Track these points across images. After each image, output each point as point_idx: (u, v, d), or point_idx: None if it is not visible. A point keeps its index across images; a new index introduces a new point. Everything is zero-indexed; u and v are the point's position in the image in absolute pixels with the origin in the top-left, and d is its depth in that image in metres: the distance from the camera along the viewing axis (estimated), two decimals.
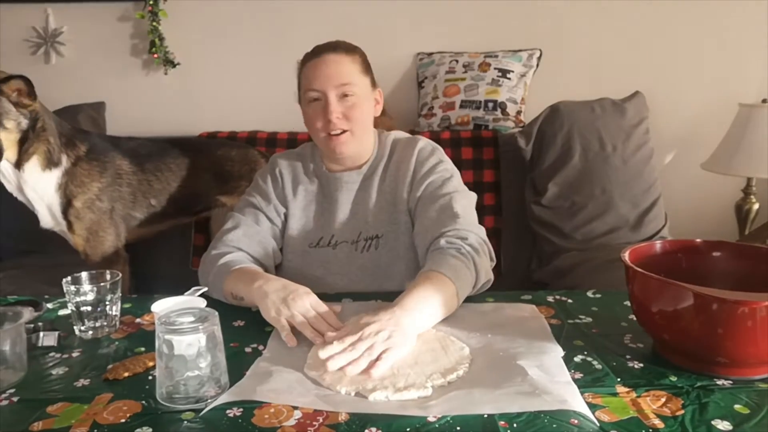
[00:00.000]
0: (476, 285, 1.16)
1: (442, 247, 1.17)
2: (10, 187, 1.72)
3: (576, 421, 0.77)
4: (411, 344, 0.98)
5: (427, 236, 1.23)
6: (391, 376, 0.89)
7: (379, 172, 1.36)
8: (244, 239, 1.30)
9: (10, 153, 1.63)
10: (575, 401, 0.80)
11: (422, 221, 1.27)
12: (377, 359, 0.90)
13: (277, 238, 1.37)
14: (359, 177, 1.36)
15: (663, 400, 0.83)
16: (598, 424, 0.77)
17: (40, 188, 1.70)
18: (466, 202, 1.29)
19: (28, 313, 1.16)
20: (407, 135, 1.43)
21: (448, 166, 1.35)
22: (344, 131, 1.28)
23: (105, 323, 1.10)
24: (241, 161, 2.02)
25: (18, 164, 1.65)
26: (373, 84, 1.35)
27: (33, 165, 1.67)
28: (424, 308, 1.03)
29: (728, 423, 0.78)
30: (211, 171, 1.98)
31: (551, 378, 0.87)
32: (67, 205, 1.73)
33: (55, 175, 1.71)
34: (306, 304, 1.06)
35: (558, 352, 0.96)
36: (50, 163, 1.69)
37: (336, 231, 1.35)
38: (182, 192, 1.93)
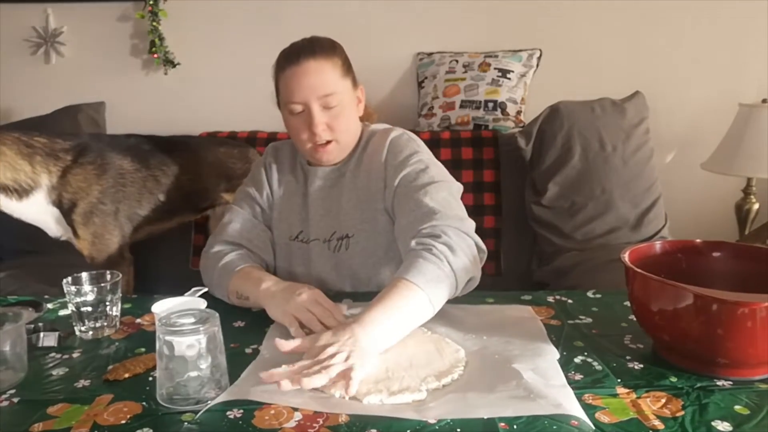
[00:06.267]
0: (457, 287, 1.05)
1: (413, 248, 1.06)
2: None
3: (576, 423, 0.77)
4: (373, 362, 0.92)
5: (406, 237, 1.12)
6: (386, 380, 0.88)
7: (351, 168, 1.30)
8: (243, 232, 1.29)
9: None
10: (570, 405, 0.80)
11: (399, 221, 1.18)
12: (349, 380, 0.85)
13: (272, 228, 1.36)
14: (333, 173, 1.31)
15: (663, 401, 0.83)
16: (593, 428, 0.77)
17: (25, 215, 1.68)
18: (444, 194, 1.16)
19: (28, 314, 1.16)
20: (385, 126, 1.35)
21: (423, 157, 1.24)
22: (330, 141, 1.24)
23: (105, 324, 1.10)
24: (242, 159, 2.03)
25: None
26: (354, 83, 1.29)
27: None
28: (388, 322, 0.95)
29: (728, 424, 0.78)
30: (216, 167, 1.98)
31: (546, 381, 0.87)
32: (69, 213, 1.71)
33: (35, 200, 1.66)
34: (312, 298, 1.06)
35: (554, 354, 0.96)
36: (21, 193, 1.64)
37: (310, 227, 1.31)
38: (191, 186, 1.91)
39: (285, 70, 1.24)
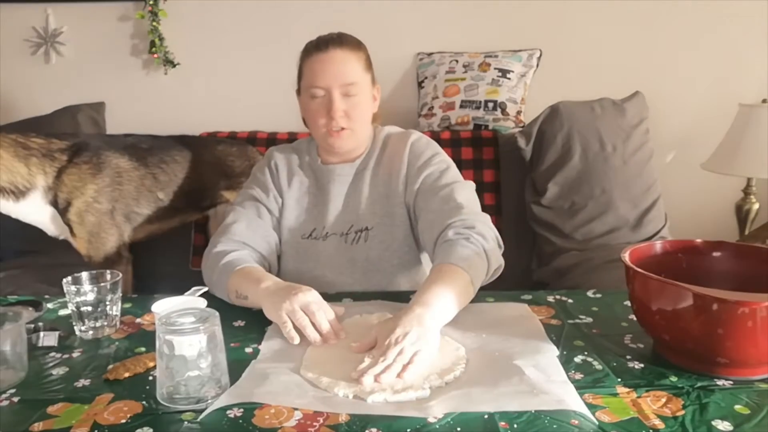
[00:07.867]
0: (488, 272, 1.15)
1: (451, 238, 1.15)
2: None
3: (576, 422, 0.77)
4: (437, 341, 0.97)
5: (433, 230, 1.21)
6: None
7: (371, 166, 1.36)
8: (247, 232, 1.30)
9: None
10: (573, 401, 0.81)
11: (426, 215, 1.26)
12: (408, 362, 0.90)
13: (277, 229, 1.37)
14: (352, 170, 1.36)
15: (663, 400, 0.83)
16: (597, 423, 0.77)
17: (23, 215, 1.70)
18: (467, 191, 1.28)
19: (28, 313, 1.16)
20: (401, 129, 1.43)
21: (444, 158, 1.35)
22: (345, 128, 1.29)
23: (105, 323, 1.10)
24: (240, 157, 2.03)
25: None
26: (373, 80, 1.35)
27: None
28: (443, 303, 1.03)
29: (728, 423, 0.78)
30: (215, 164, 1.98)
31: (548, 377, 0.87)
32: (65, 212, 1.71)
33: (32, 201, 1.68)
34: (307, 298, 1.05)
35: (553, 351, 0.96)
36: (17, 195, 1.66)
37: (328, 223, 1.34)
38: (190, 184, 1.91)
39: (312, 56, 1.30)
